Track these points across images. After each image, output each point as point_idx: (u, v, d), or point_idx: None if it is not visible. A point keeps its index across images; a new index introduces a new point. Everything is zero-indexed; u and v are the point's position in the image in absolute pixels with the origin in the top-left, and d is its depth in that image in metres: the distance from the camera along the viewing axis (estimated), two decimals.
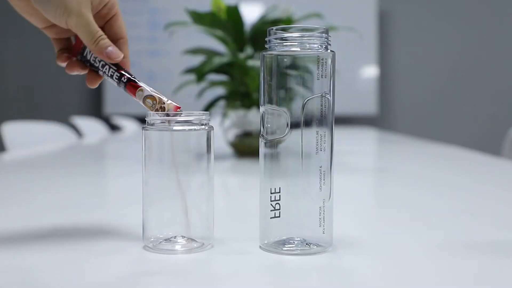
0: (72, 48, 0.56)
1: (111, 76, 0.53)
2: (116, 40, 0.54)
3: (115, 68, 0.53)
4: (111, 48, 0.52)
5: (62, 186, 0.91)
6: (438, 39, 4.14)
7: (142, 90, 0.51)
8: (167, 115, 0.48)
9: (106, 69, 0.53)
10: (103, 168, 1.32)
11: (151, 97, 0.50)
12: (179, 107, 0.50)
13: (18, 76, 4.24)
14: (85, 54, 0.55)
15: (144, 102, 0.50)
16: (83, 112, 4.08)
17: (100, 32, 0.51)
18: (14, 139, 1.59)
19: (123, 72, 0.52)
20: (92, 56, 0.54)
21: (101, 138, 2.21)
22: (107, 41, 0.52)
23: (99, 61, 0.53)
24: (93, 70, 0.55)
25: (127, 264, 0.44)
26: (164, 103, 0.49)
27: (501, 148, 1.70)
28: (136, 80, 0.52)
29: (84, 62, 0.55)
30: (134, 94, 0.51)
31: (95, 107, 4.22)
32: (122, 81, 0.52)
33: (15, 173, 1.10)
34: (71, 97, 4.25)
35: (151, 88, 0.51)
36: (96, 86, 0.55)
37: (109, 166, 1.36)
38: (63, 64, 0.55)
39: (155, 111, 0.49)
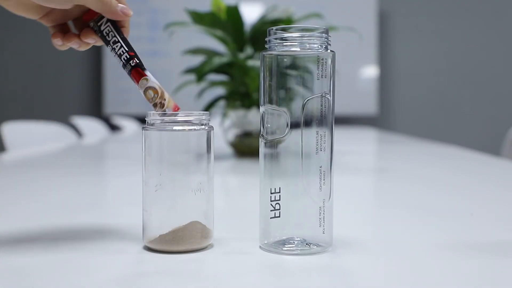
0: (83, 20, 0.54)
1: (120, 56, 0.51)
2: None
3: (127, 49, 0.51)
4: (122, 6, 0.51)
5: (62, 186, 0.91)
6: (438, 39, 4.14)
7: (147, 79, 0.49)
8: (164, 114, 0.47)
9: (117, 46, 0.51)
10: (103, 168, 1.31)
11: (154, 89, 0.49)
12: (179, 108, 0.49)
13: (18, 76, 4.24)
14: (99, 24, 0.52)
15: (145, 92, 0.49)
16: (83, 112, 4.07)
17: None
18: (14, 139, 1.59)
19: (133, 55, 0.50)
20: (106, 29, 0.52)
21: (101, 138, 2.21)
22: (114, 1, 0.50)
23: (112, 36, 0.51)
24: (104, 42, 0.52)
25: (127, 264, 0.44)
26: (165, 99, 0.49)
27: (501, 148, 1.70)
28: (143, 68, 0.50)
29: (96, 32, 0.52)
30: (138, 81, 0.50)
31: (95, 107, 4.22)
32: (130, 64, 0.50)
33: (15, 173, 1.10)
34: (71, 97, 4.25)
35: (156, 81, 0.50)
36: (83, 48, 0.53)
37: (109, 166, 1.35)
38: (59, 42, 0.53)
39: (153, 105, 0.49)
